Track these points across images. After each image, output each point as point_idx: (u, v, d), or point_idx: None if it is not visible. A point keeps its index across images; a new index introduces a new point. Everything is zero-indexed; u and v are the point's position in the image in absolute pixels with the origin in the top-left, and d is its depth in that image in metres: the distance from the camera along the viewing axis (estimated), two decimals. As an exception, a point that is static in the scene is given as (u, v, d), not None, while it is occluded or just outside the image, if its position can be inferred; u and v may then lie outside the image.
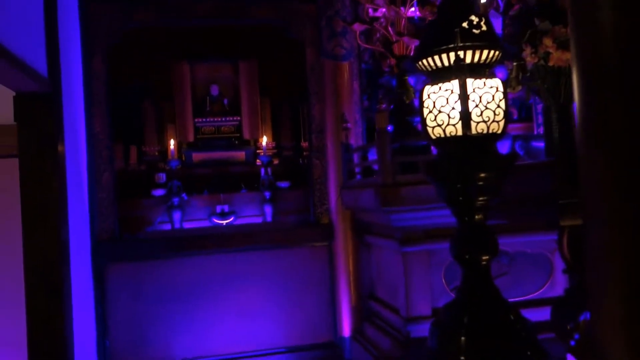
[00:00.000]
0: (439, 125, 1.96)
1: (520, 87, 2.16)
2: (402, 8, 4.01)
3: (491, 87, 1.94)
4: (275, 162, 6.52)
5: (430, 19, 3.59)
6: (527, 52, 2.40)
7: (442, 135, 1.96)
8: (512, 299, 3.85)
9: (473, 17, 1.96)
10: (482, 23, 1.96)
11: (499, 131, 1.95)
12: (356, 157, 4.61)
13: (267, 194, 5.26)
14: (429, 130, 1.99)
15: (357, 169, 4.56)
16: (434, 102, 1.97)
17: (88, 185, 4.33)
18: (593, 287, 1.56)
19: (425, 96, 2.00)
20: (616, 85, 1.41)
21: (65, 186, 3.50)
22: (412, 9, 4.15)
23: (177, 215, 4.95)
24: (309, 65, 4.90)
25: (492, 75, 1.97)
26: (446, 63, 1.94)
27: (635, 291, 1.44)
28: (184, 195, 5.03)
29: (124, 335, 4.50)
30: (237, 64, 6.97)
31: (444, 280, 3.84)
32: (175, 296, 4.58)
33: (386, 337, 4.16)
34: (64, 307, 3.32)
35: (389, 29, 3.97)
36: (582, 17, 1.49)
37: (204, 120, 6.84)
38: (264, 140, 5.89)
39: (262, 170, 5.35)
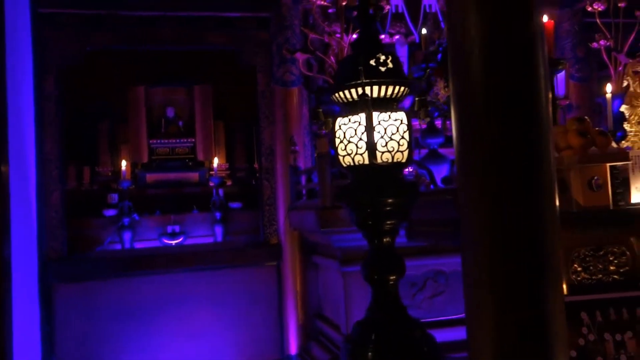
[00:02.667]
0: (349, 155, 2.11)
1: (428, 119, 2.33)
2: (345, 36, 4.18)
3: (396, 120, 2.11)
4: (229, 183, 6.64)
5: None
6: (441, 85, 2.59)
7: (352, 164, 2.11)
8: (448, 317, 4.05)
9: (381, 55, 2.13)
10: (388, 61, 2.13)
11: (404, 160, 2.11)
12: (303, 179, 4.76)
13: (218, 215, 5.37)
14: (341, 158, 2.14)
15: (303, 191, 4.70)
16: (344, 133, 2.12)
17: (37, 205, 4.37)
18: (468, 301, 1.71)
19: (337, 127, 2.16)
20: (482, 119, 1.59)
21: (8, 204, 3.56)
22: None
23: (127, 236, 5.01)
24: (260, 91, 5.07)
25: (397, 109, 2.13)
26: (355, 97, 2.10)
27: (504, 306, 1.60)
28: (135, 215, 5.10)
29: (71, 356, 4.50)
30: (192, 87, 7.14)
31: (381, 299, 3.97)
32: (124, 316, 4.62)
33: (330, 355, 4.27)
34: (3, 326, 3.35)
35: (332, 57, 4.14)
36: (457, 59, 1.67)
37: (158, 141, 6.96)
38: (216, 162, 6.01)
39: (214, 191, 5.46)
